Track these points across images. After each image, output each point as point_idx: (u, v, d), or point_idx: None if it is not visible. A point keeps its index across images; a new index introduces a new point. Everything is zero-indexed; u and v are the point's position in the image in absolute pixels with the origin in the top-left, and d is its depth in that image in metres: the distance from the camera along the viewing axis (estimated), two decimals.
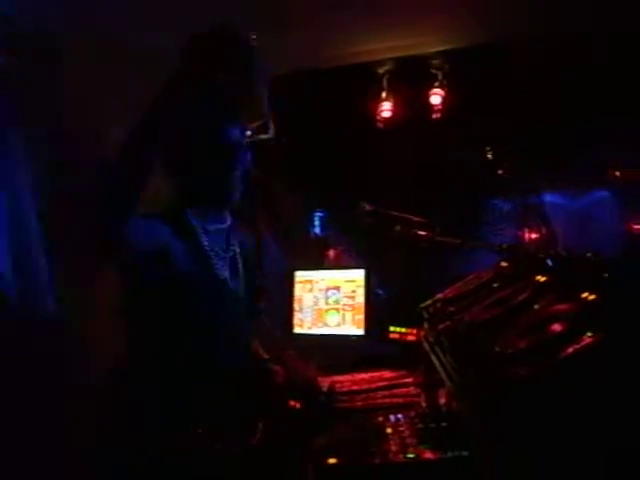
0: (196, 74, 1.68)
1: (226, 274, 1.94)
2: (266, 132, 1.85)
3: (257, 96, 1.80)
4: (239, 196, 1.96)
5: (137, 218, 1.71)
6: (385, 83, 3.37)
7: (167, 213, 1.88)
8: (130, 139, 1.65)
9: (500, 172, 4.33)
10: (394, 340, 3.24)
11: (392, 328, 3.25)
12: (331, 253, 4.21)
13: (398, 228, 2.28)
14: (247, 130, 1.91)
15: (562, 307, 1.56)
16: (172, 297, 1.78)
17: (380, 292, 3.65)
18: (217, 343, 1.88)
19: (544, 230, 4.22)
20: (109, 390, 1.90)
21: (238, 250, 2.03)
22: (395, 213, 2.27)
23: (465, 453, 1.78)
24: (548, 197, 4.47)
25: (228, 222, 2.01)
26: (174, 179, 1.93)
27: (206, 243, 1.89)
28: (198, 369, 1.83)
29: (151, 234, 1.77)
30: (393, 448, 1.90)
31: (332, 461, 1.88)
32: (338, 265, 3.94)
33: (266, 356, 2.23)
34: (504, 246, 2.26)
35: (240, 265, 2.02)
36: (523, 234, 4.19)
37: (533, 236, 4.20)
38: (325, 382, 2.71)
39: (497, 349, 1.50)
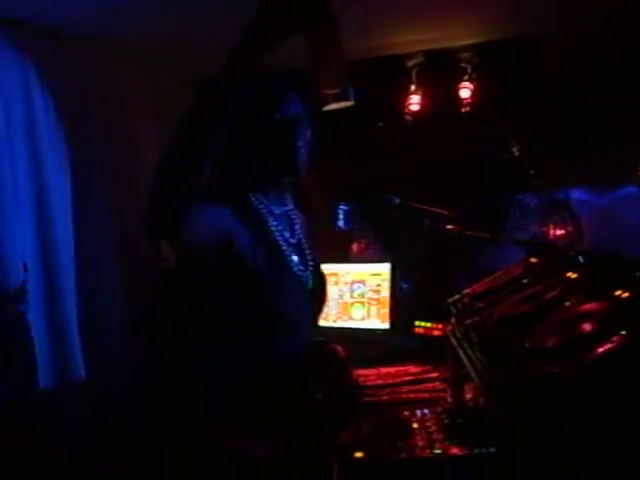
0: (276, 28, 1.51)
1: (295, 260, 1.88)
2: (346, 99, 1.73)
3: (338, 59, 1.66)
4: (302, 173, 1.88)
5: (196, 205, 1.53)
6: (414, 76, 3.34)
7: (227, 198, 1.75)
8: (199, 104, 1.50)
9: (527, 167, 4.29)
10: (419, 335, 3.23)
11: (417, 322, 3.24)
12: (355, 247, 4.20)
13: (427, 221, 2.27)
14: (320, 99, 1.75)
15: (593, 305, 1.55)
16: (241, 288, 1.72)
17: (405, 286, 3.63)
18: (285, 332, 1.83)
19: (569, 227, 4.17)
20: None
21: (304, 239, 1.98)
22: (423, 207, 2.26)
23: (492, 449, 1.77)
24: (574, 193, 4.42)
25: (290, 205, 1.96)
26: (232, 161, 1.81)
27: (274, 227, 1.83)
28: (267, 359, 1.79)
29: (213, 223, 1.65)
30: (420, 443, 1.89)
31: (358, 455, 1.87)
32: (363, 258, 3.93)
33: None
34: (534, 242, 2.24)
35: (307, 251, 1.96)
36: (548, 230, 4.15)
37: (558, 232, 4.15)
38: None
39: (527, 345, 1.49)
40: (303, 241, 1.96)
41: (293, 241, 1.90)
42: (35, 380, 2.21)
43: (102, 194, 2.59)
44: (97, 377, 2.39)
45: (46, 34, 2.36)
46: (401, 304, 3.39)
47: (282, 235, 1.85)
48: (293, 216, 1.97)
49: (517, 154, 4.16)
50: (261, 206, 1.83)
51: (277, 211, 1.87)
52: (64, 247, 2.40)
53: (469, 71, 3.27)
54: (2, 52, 2.21)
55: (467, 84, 3.28)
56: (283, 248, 1.83)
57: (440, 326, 3.09)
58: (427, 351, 2.95)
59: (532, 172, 4.20)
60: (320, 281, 2.01)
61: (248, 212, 1.79)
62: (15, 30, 2.25)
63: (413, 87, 3.38)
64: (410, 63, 3.32)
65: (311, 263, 1.94)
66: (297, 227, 1.96)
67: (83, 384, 2.36)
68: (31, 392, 2.18)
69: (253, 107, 1.76)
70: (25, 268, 2.19)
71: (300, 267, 1.89)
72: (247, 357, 1.77)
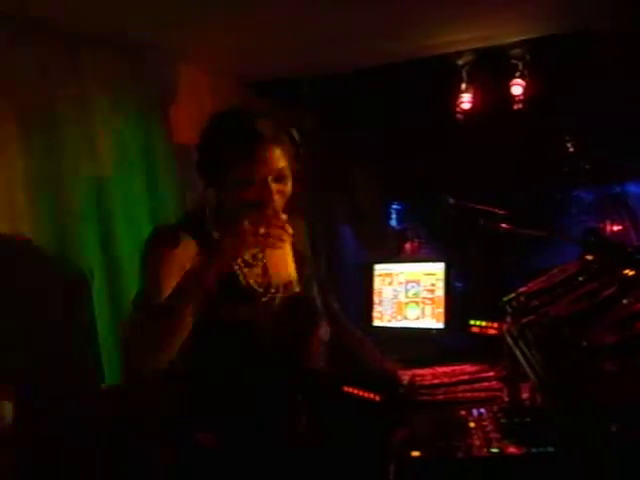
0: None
1: (257, 282, 1.91)
2: None
3: None
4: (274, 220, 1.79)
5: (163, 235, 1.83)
6: (465, 75, 3.33)
7: (193, 224, 1.87)
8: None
9: (582, 163, 4.24)
10: (474, 334, 3.20)
11: (472, 322, 3.21)
12: (408, 246, 4.20)
13: (481, 221, 2.25)
14: None
15: None
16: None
17: (459, 285, 3.62)
18: (252, 351, 1.89)
19: (626, 222, 4.11)
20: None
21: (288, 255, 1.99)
22: (478, 206, 2.25)
23: (550, 449, 1.76)
24: (631, 188, 4.35)
25: None
26: (203, 208, 1.91)
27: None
28: (236, 376, 1.87)
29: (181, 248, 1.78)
30: (476, 442, 1.88)
31: (415, 454, 1.88)
32: (417, 258, 3.93)
33: (318, 363, 2.18)
34: (590, 238, 2.21)
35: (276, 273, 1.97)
36: (605, 226, 4.09)
37: (615, 228, 4.09)
38: (405, 375, 2.71)
39: (585, 344, 1.48)
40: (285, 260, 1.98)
41: (258, 263, 1.93)
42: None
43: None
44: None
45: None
46: (455, 303, 3.39)
47: (244, 261, 1.89)
48: None
49: (571, 150, 4.11)
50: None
51: None
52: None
53: (520, 68, 3.26)
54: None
55: (519, 81, 3.26)
56: (238, 273, 1.87)
57: (495, 325, 3.06)
58: (482, 350, 2.93)
59: (587, 167, 4.15)
60: (294, 306, 2.00)
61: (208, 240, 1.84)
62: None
63: (464, 86, 3.38)
64: (460, 62, 3.31)
65: (273, 290, 1.94)
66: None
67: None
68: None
69: (242, 156, 1.76)
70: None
71: (261, 289, 1.91)
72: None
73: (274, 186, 1.78)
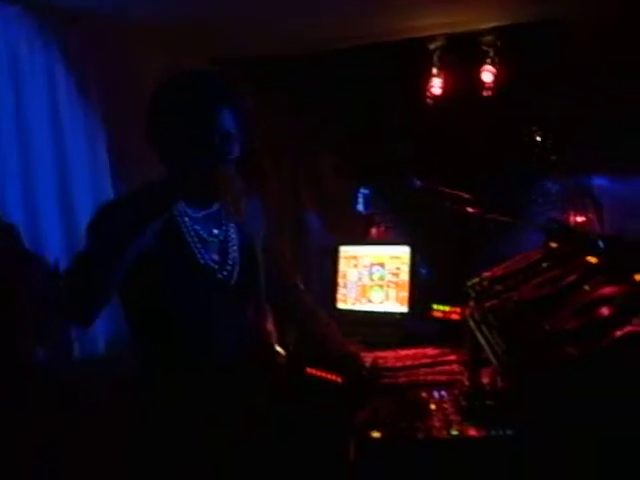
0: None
1: (214, 258, 1.87)
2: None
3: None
4: (229, 186, 1.80)
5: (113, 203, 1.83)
6: (436, 59, 3.33)
7: None
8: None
9: (549, 153, 4.27)
10: (437, 318, 3.23)
11: (435, 306, 3.24)
12: (374, 231, 4.21)
13: (447, 204, 2.26)
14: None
15: (613, 289, 1.55)
16: (150, 282, 1.76)
17: (423, 271, 3.64)
18: (202, 329, 1.83)
19: (590, 214, 4.16)
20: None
21: (234, 235, 1.95)
22: (445, 189, 2.25)
23: (510, 432, 1.78)
24: (597, 180, 4.39)
25: (216, 206, 1.91)
26: (163, 163, 1.85)
27: (186, 227, 1.84)
28: (184, 354, 1.82)
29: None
30: (437, 424, 1.90)
31: (375, 435, 1.89)
32: (383, 241, 3.94)
33: (272, 341, 2.17)
34: (555, 226, 2.23)
35: (234, 250, 1.93)
36: (568, 217, 4.13)
37: (579, 219, 4.13)
38: (368, 357, 2.72)
39: (547, 328, 1.50)
40: (231, 238, 1.94)
41: (214, 240, 1.90)
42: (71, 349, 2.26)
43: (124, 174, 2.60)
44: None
45: (68, 19, 2.38)
46: (420, 288, 3.40)
47: (197, 234, 1.85)
48: (219, 217, 1.94)
49: (539, 139, 4.14)
50: (178, 209, 1.83)
51: (195, 214, 1.87)
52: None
53: (491, 54, 3.26)
54: (30, 36, 2.22)
55: (489, 67, 3.26)
56: (194, 246, 1.83)
57: (458, 310, 3.08)
58: (445, 334, 2.96)
59: (554, 158, 4.19)
60: (250, 276, 1.96)
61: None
62: (40, 14, 2.27)
63: (435, 70, 3.38)
64: (432, 46, 3.31)
65: (231, 262, 1.91)
66: (225, 227, 1.94)
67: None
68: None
69: (188, 115, 1.75)
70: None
71: (215, 265, 1.87)
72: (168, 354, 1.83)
73: (219, 148, 1.76)
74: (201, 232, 1.86)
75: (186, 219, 1.84)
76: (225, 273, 1.88)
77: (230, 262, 1.90)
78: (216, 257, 1.88)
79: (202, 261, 1.84)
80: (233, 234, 1.94)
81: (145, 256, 1.71)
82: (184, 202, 1.83)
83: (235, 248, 1.93)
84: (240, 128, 1.81)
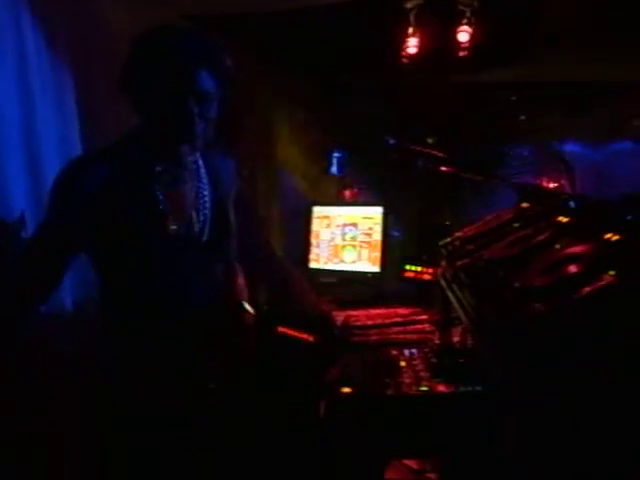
0: None
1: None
2: None
3: None
4: (201, 143, 1.82)
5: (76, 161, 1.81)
6: (412, 18, 3.30)
7: (115, 148, 1.83)
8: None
9: (522, 117, 4.28)
10: (409, 278, 3.25)
11: (408, 267, 3.26)
12: (347, 193, 4.20)
13: (421, 163, 2.25)
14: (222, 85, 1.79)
15: (582, 247, 1.56)
16: (117, 235, 1.75)
17: (396, 234, 3.65)
18: (172, 285, 1.83)
19: (562, 179, 4.18)
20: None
21: (206, 192, 1.93)
22: (419, 148, 2.24)
23: (478, 388, 1.80)
24: (569, 146, 4.42)
25: (188, 159, 1.88)
26: (137, 113, 1.81)
27: (152, 180, 1.81)
28: (153, 310, 1.82)
29: (88, 177, 1.72)
30: (406, 381, 1.93)
31: (345, 391, 1.90)
32: (356, 202, 3.94)
33: (240, 299, 2.13)
34: (527, 186, 2.24)
35: (206, 207, 1.92)
36: (541, 182, 4.16)
37: (551, 185, 4.16)
38: (340, 316, 2.74)
39: (516, 285, 1.51)
40: (203, 194, 1.92)
41: (185, 191, 1.88)
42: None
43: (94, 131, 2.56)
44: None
45: None
46: (392, 248, 3.42)
47: (164, 187, 1.82)
48: (190, 171, 1.91)
49: (513, 100, 4.15)
50: (142, 160, 1.81)
51: (161, 166, 1.83)
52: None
53: (468, 15, 3.23)
54: None
55: (466, 28, 3.24)
56: (159, 199, 1.80)
57: (430, 270, 3.11)
58: (417, 295, 2.98)
59: (523, 118, 4.20)
60: (221, 233, 1.96)
61: (129, 165, 1.79)
62: None
63: (411, 30, 3.35)
64: (409, 5, 3.27)
65: (202, 218, 1.90)
66: (199, 182, 1.92)
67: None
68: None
69: (166, 74, 1.71)
70: None
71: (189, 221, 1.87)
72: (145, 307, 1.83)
73: (196, 108, 1.73)
74: (169, 186, 1.83)
75: (152, 174, 1.81)
76: (196, 230, 1.87)
77: (201, 219, 1.89)
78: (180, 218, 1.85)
79: (168, 222, 1.81)
80: (205, 191, 1.92)
81: (115, 213, 1.71)
82: (154, 157, 1.81)
83: (207, 205, 1.91)
84: (218, 88, 1.78)
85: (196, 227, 1.87)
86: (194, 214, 1.88)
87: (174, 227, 1.82)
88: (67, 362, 2.24)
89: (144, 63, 1.72)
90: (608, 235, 1.54)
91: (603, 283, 1.31)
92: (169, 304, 1.82)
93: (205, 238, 1.89)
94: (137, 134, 1.83)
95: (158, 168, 1.81)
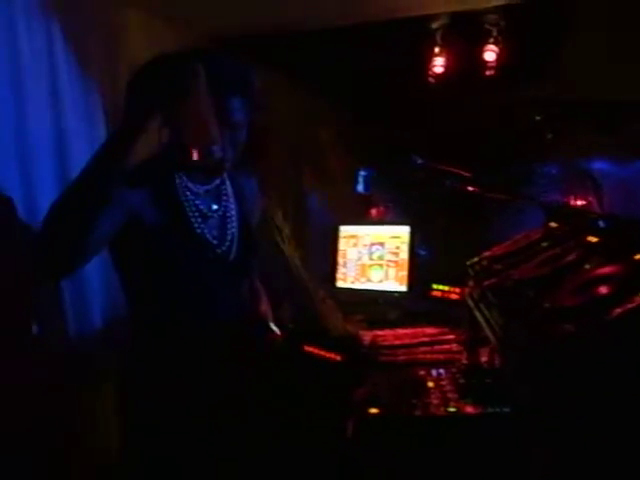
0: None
1: (213, 234, 1.87)
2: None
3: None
4: (229, 167, 1.85)
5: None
6: (438, 38, 3.31)
7: (149, 169, 1.82)
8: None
9: (549, 135, 4.26)
10: (436, 298, 3.24)
11: (435, 286, 3.25)
12: (374, 212, 4.21)
13: (448, 183, 2.25)
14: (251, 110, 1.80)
15: (613, 268, 1.55)
16: (149, 254, 1.76)
17: (423, 252, 3.64)
18: (200, 302, 1.85)
19: (590, 197, 4.14)
20: None
21: (233, 212, 1.96)
22: (445, 167, 2.24)
23: (507, 409, 1.79)
24: (597, 163, 4.38)
25: (216, 182, 1.92)
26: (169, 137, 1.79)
27: (187, 202, 1.84)
28: (180, 327, 1.84)
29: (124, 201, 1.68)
30: (434, 401, 1.92)
31: (373, 411, 1.90)
32: (383, 220, 3.94)
33: (266, 318, 2.16)
34: (555, 205, 2.23)
35: (233, 226, 1.94)
36: (569, 200, 4.12)
37: (579, 203, 4.12)
38: (367, 336, 2.73)
39: (546, 305, 1.50)
40: (230, 214, 1.94)
41: (214, 215, 1.90)
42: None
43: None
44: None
45: None
46: (419, 268, 3.41)
47: (198, 209, 1.84)
48: (219, 192, 1.95)
49: (538, 119, 4.12)
50: (179, 182, 1.83)
51: (197, 189, 1.86)
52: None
53: (494, 34, 3.23)
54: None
55: (492, 47, 3.24)
56: (196, 222, 1.83)
57: (457, 290, 3.09)
58: (444, 314, 2.97)
59: (549, 137, 4.17)
60: (246, 252, 1.97)
61: (166, 186, 1.82)
62: None
63: (437, 49, 3.36)
64: (435, 25, 3.28)
65: (229, 237, 1.92)
66: (226, 202, 1.95)
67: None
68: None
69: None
70: None
71: (215, 240, 1.88)
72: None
73: (227, 138, 1.74)
74: (202, 207, 1.85)
75: (188, 193, 1.83)
76: (224, 248, 1.89)
77: (229, 237, 1.91)
78: (215, 232, 1.88)
79: (202, 236, 1.84)
80: (232, 210, 1.95)
81: (146, 229, 1.72)
82: (186, 177, 1.84)
83: (234, 224, 1.94)
84: (249, 115, 1.80)
85: (224, 246, 1.89)
86: (222, 233, 1.91)
87: (205, 246, 1.84)
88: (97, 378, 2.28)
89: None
90: (637, 256, 1.53)
91: (634, 304, 1.30)
92: (197, 320, 1.84)
93: (232, 256, 1.90)
94: (169, 153, 1.81)
95: (189, 186, 1.84)
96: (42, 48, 2.27)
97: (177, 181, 1.83)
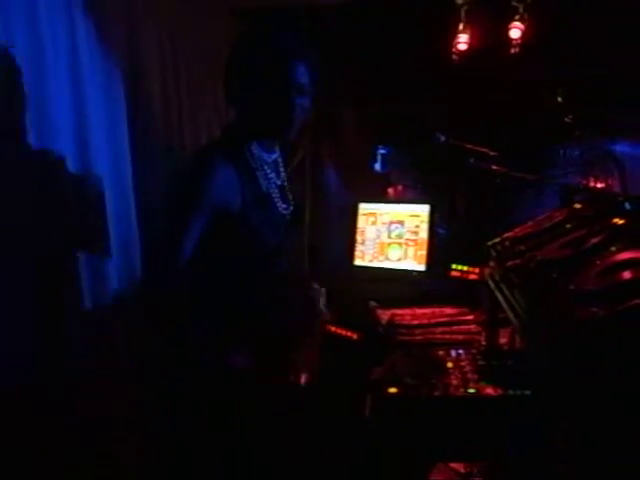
0: None
1: (280, 200, 2.02)
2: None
3: None
4: (295, 134, 1.96)
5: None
6: (463, 15, 3.26)
7: (228, 144, 1.94)
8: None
9: (571, 116, 4.19)
10: (455, 278, 3.21)
11: (454, 266, 3.22)
12: (391, 191, 4.17)
13: (471, 161, 2.22)
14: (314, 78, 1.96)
15: (638, 251, 1.52)
16: (234, 229, 1.88)
17: (441, 231, 3.61)
18: (264, 258, 2.00)
19: (612, 179, 4.09)
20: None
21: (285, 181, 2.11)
22: (470, 146, 2.21)
23: (527, 392, 1.77)
24: (619, 145, 4.32)
25: (277, 152, 2.07)
26: (239, 111, 1.99)
27: (265, 173, 1.97)
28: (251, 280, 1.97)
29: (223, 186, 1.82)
30: (454, 382, 1.90)
31: (392, 391, 1.88)
32: (403, 199, 3.90)
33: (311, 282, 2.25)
34: (581, 187, 2.19)
35: (288, 191, 2.11)
36: (588, 182, 4.07)
37: (599, 185, 4.07)
38: (385, 315, 2.72)
39: (571, 288, 1.47)
40: (286, 183, 2.10)
41: (279, 183, 2.05)
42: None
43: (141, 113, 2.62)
44: None
45: None
46: (438, 247, 3.38)
47: (271, 179, 2.00)
48: (280, 161, 2.09)
49: (560, 100, 4.06)
50: (256, 153, 1.97)
51: (268, 159, 2.01)
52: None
53: (520, 11, 3.18)
54: None
55: (518, 24, 3.18)
56: (270, 191, 1.98)
57: (476, 270, 3.07)
58: (462, 294, 2.94)
59: (570, 119, 4.11)
60: (298, 215, 2.19)
61: (245, 160, 1.94)
62: None
63: (462, 26, 3.31)
64: (460, 1, 3.23)
65: (291, 202, 2.09)
66: (282, 171, 2.10)
67: None
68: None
69: (269, 69, 1.86)
70: None
71: (283, 206, 2.03)
72: (236, 280, 1.95)
73: (296, 100, 1.89)
74: (270, 176, 2.00)
75: (265, 166, 1.98)
76: (289, 217, 2.07)
77: (292, 205, 2.09)
78: (281, 202, 2.03)
79: (279, 208, 2.01)
80: (286, 180, 2.12)
81: (235, 206, 1.86)
82: (258, 145, 1.97)
83: (290, 195, 2.11)
84: (312, 80, 1.94)
85: (290, 214, 2.07)
86: (287, 202, 2.08)
87: (283, 217, 2.03)
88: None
89: (245, 66, 1.90)
90: None
91: None
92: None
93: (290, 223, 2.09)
94: (237, 128, 1.99)
95: (262, 156, 1.98)
96: (63, 22, 2.25)
97: (250, 151, 1.95)
